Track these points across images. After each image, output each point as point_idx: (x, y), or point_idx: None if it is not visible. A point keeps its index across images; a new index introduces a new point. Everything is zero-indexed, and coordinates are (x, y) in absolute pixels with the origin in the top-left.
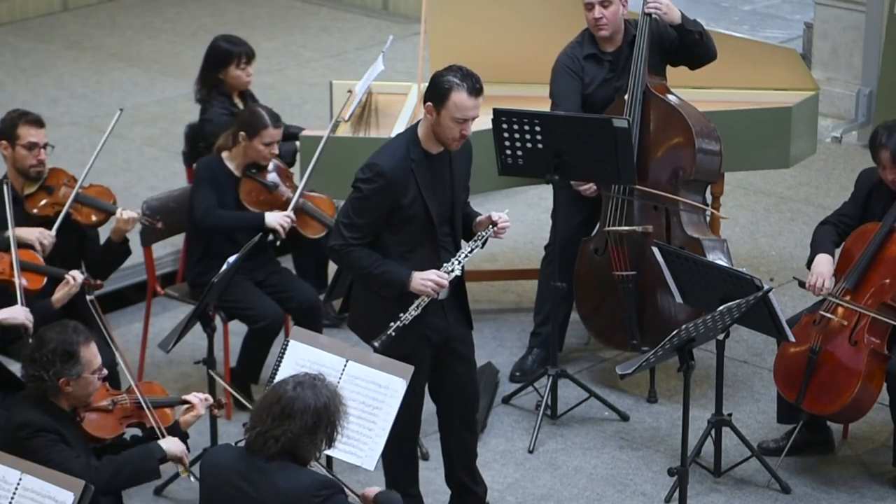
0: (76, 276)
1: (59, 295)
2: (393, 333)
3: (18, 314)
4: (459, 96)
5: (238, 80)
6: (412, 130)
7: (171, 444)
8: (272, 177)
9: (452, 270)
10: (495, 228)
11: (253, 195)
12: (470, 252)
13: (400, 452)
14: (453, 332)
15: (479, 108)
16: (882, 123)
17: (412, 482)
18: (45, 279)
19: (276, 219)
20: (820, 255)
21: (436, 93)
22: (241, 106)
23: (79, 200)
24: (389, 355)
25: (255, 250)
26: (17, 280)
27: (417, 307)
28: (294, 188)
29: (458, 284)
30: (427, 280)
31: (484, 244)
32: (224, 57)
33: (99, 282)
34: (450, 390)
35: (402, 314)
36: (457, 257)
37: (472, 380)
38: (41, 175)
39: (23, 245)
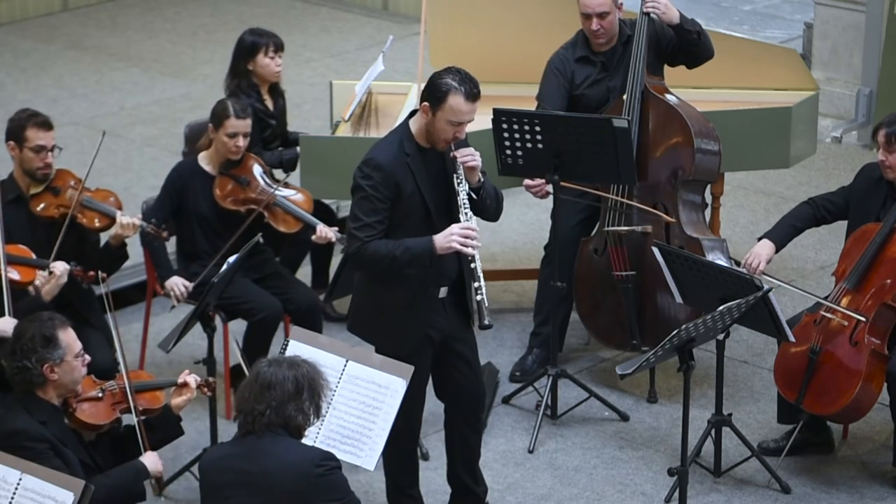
0: (58, 267)
1: (48, 287)
2: (479, 298)
3: (7, 327)
4: (456, 100)
5: (267, 70)
6: (404, 126)
7: (150, 462)
8: (246, 174)
9: (469, 219)
10: (460, 160)
11: (227, 192)
12: (464, 194)
13: (400, 452)
14: (454, 331)
15: (474, 112)
16: None
17: (412, 482)
18: (36, 272)
19: (174, 283)
20: (766, 240)
21: (433, 93)
22: (269, 102)
23: (84, 204)
24: (392, 354)
25: (254, 250)
26: (3, 273)
27: (473, 268)
28: (265, 186)
29: (457, 283)
30: (451, 235)
31: (465, 184)
32: (251, 47)
33: (91, 273)
34: (454, 390)
35: (474, 283)
36: (461, 210)
37: (476, 379)
38: (48, 177)
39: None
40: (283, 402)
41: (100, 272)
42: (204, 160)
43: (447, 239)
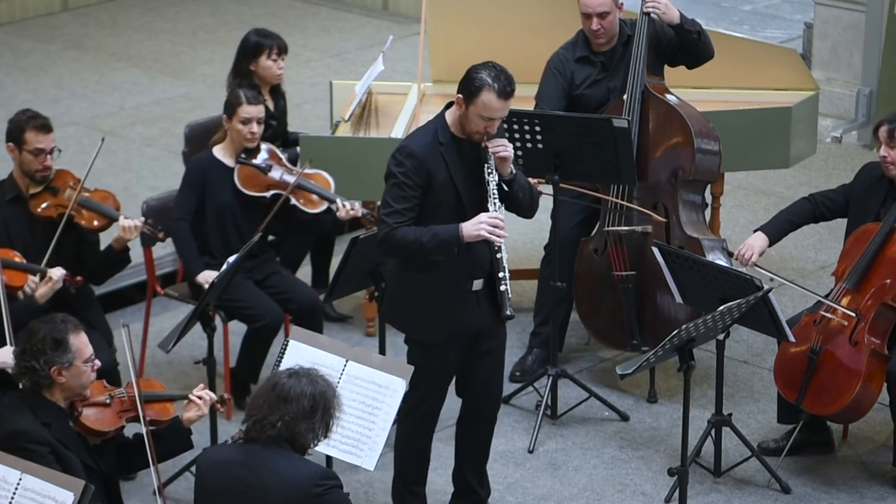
0: (55, 272)
1: (43, 291)
2: (503, 288)
3: (8, 358)
4: (489, 97)
5: (269, 72)
6: (440, 116)
7: None
8: (263, 158)
9: (497, 209)
10: (491, 151)
11: (250, 179)
12: (494, 184)
13: (413, 448)
14: (486, 326)
15: (507, 109)
16: None
17: (420, 480)
18: (28, 276)
19: (206, 278)
20: (760, 233)
21: (467, 87)
22: (269, 103)
23: (82, 204)
24: (421, 345)
25: (256, 251)
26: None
27: (499, 258)
28: (285, 169)
29: (490, 276)
30: (480, 223)
31: (495, 174)
32: (254, 48)
33: (79, 278)
34: (476, 387)
35: (499, 273)
36: (490, 200)
37: (499, 378)
38: (47, 178)
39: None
40: (296, 418)
41: (97, 276)
42: (219, 152)
43: (476, 227)
